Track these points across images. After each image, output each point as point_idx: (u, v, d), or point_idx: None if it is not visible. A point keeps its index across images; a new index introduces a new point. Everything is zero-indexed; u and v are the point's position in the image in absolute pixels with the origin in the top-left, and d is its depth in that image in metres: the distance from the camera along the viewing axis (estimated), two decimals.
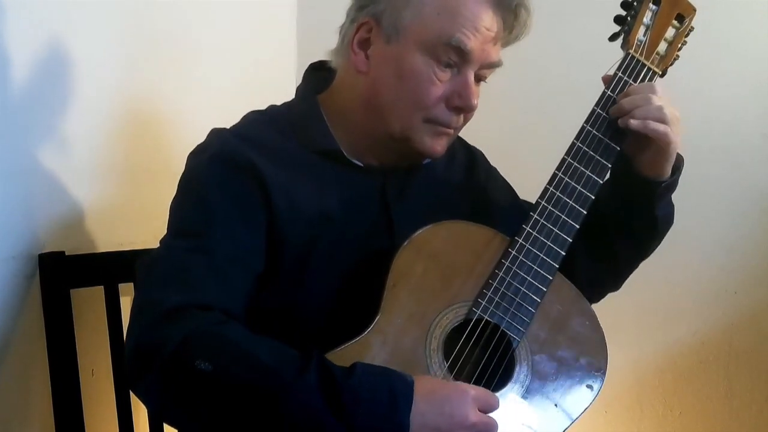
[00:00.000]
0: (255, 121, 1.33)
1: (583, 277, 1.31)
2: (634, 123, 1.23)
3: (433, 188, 1.37)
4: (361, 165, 1.31)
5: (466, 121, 1.30)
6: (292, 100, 1.37)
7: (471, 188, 1.43)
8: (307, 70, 1.39)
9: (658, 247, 1.42)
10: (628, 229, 1.35)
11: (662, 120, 1.22)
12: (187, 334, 1.05)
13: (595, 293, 1.37)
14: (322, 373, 1.04)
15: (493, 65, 1.27)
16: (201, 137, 1.30)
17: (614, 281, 1.44)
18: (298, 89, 1.38)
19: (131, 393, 1.51)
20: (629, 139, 1.27)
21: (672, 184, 1.31)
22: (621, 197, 1.33)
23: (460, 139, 1.49)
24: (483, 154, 1.51)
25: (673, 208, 1.37)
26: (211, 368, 1.03)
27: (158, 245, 1.21)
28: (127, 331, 1.13)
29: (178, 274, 1.14)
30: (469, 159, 1.48)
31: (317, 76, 1.36)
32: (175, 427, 1.24)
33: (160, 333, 1.07)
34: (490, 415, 1.11)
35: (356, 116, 1.29)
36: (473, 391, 1.10)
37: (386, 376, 1.07)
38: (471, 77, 1.24)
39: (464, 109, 1.26)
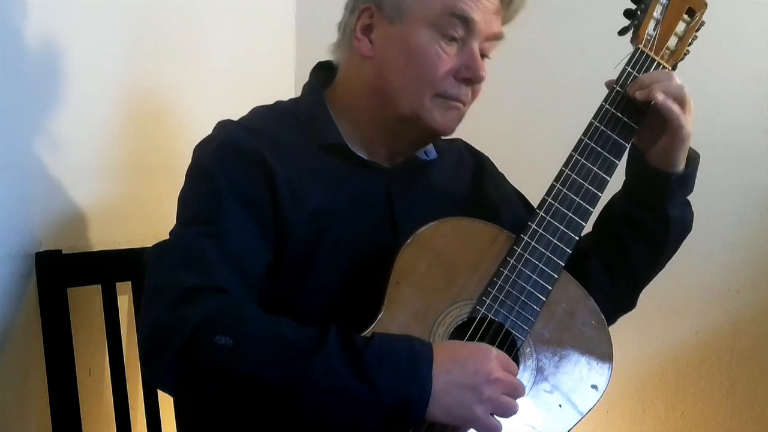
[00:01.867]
0: (262, 114, 1.33)
1: (598, 292, 1.28)
2: (658, 96, 1.21)
3: (439, 189, 1.37)
4: (367, 159, 1.31)
5: (474, 96, 1.30)
6: (299, 96, 1.38)
7: (477, 192, 1.43)
8: (314, 68, 1.40)
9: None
10: (642, 229, 1.33)
11: (681, 98, 1.22)
12: (206, 313, 1.06)
13: (609, 311, 1.30)
14: (343, 340, 1.06)
15: (497, 36, 1.29)
16: (200, 135, 1.29)
17: (629, 295, 1.39)
18: (304, 86, 1.38)
19: (129, 392, 1.51)
20: (640, 132, 1.27)
21: (686, 179, 1.29)
22: (634, 193, 1.32)
23: (467, 145, 1.50)
24: (491, 161, 1.51)
25: (691, 214, 1.35)
26: (232, 343, 1.04)
27: (168, 236, 1.21)
28: (142, 312, 1.13)
29: (193, 257, 1.14)
30: (477, 164, 1.47)
31: (324, 74, 1.37)
32: (195, 405, 1.24)
33: (179, 313, 1.06)
34: None
35: (363, 105, 1.30)
36: (495, 351, 1.12)
37: (405, 338, 1.10)
38: (477, 48, 1.25)
39: (473, 80, 1.26)
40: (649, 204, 1.31)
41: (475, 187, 1.43)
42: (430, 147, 1.40)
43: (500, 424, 1.09)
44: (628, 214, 1.33)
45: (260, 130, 1.26)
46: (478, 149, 1.51)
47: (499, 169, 1.51)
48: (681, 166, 1.28)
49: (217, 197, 1.19)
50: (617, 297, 1.35)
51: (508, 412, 1.10)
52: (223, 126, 1.28)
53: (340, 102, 1.32)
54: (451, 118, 1.28)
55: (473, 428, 1.09)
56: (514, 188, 1.50)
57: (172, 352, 1.05)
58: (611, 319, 1.31)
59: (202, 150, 1.26)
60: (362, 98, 1.29)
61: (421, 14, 1.23)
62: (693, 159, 1.30)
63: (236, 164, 1.21)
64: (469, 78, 1.25)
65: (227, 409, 1.07)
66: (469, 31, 1.24)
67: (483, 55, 1.28)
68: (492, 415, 1.09)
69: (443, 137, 1.39)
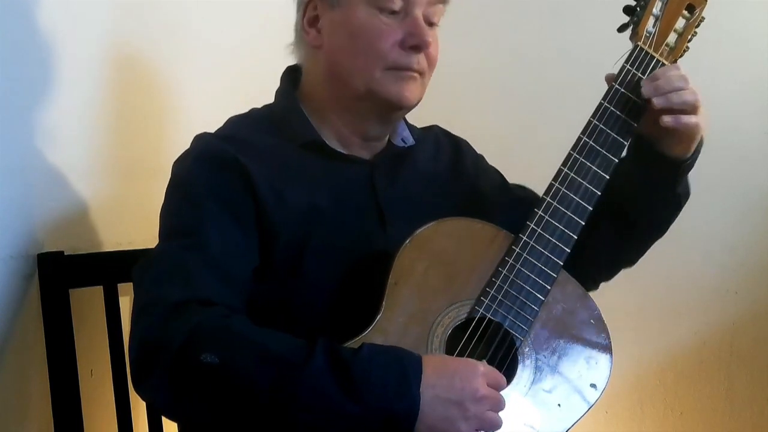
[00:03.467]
0: (237, 122, 1.35)
1: (600, 255, 1.32)
2: (667, 120, 1.23)
3: (420, 175, 1.39)
4: (346, 153, 1.33)
5: (431, 65, 1.30)
6: (273, 102, 1.39)
7: (459, 176, 1.44)
8: (284, 73, 1.41)
9: (659, 247, 1.42)
10: (651, 208, 1.35)
11: (696, 107, 1.24)
12: (192, 329, 1.05)
13: (611, 269, 1.38)
14: (330, 353, 1.05)
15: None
16: None
17: (630, 258, 1.43)
18: (277, 91, 1.40)
19: (130, 393, 1.51)
20: (648, 128, 1.27)
21: (695, 159, 1.31)
22: (643, 177, 1.32)
23: (443, 130, 1.51)
24: (468, 143, 1.52)
25: (688, 184, 1.37)
26: (218, 361, 1.03)
27: (153, 251, 1.21)
28: (131, 331, 1.13)
29: (177, 271, 1.14)
30: (455, 148, 1.49)
31: (294, 77, 1.39)
32: (185, 423, 1.24)
33: (165, 330, 1.07)
34: None
35: (325, 95, 1.32)
36: (482, 366, 1.11)
37: (394, 352, 1.09)
38: (419, 15, 1.26)
39: (420, 46, 1.26)
40: (660, 187, 1.32)
41: (455, 169, 1.44)
42: (407, 134, 1.41)
43: None
44: (637, 195, 1.34)
45: (237, 138, 1.27)
46: (477, 146, 1.52)
47: (499, 168, 1.52)
48: (693, 149, 1.29)
49: (197, 208, 1.19)
50: (618, 258, 1.41)
51: (493, 428, 1.10)
52: (199, 138, 1.29)
53: (309, 99, 1.34)
54: (408, 88, 1.28)
55: None
56: (494, 168, 1.51)
57: (160, 373, 1.05)
58: (613, 273, 1.41)
59: (180, 164, 1.27)
60: (323, 88, 1.32)
61: None
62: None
63: (215, 173, 1.22)
64: (416, 45, 1.26)
65: (220, 425, 1.07)
66: (408, 2, 1.25)
67: (430, 22, 1.29)
68: (477, 431, 1.08)
69: (416, 127, 1.42)
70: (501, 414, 1.11)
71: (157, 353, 1.06)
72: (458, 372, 1.09)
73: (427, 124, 1.50)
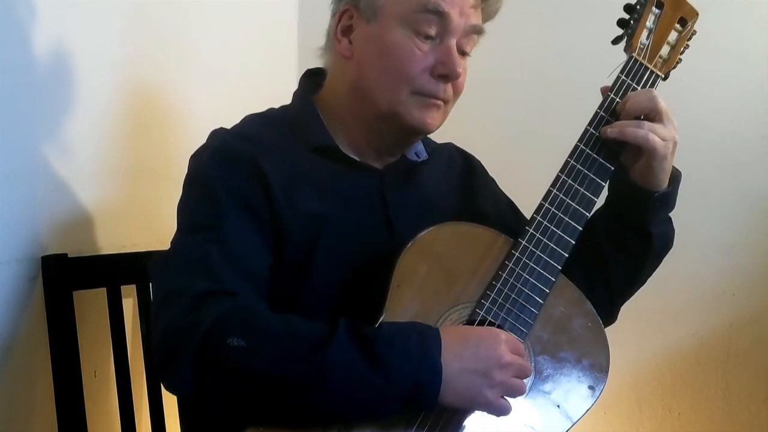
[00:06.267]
0: (253, 121, 1.35)
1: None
2: (609, 131, 1.24)
3: (431, 189, 1.39)
4: (359, 161, 1.33)
5: (456, 94, 1.30)
6: (290, 103, 1.39)
7: (468, 194, 1.44)
8: (303, 75, 1.41)
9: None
10: (623, 244, 1.34)
11: (654, 112, 1.23)
12: (218, 315, 1.07)
13: None
14: (352, 330, 1.07)
15: (475, 30, 1.28)
16: (203, 139, 1.31)
17: (609, 307, 1.39)
18: (294, 93, 1.40)
19: (133, 394, 1.52)
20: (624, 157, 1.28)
21: (667, 197, 1.30)
22: (616, 209, 1.34)
23: (458, 148, 1.51)
24: (481, 164, 1.52)
25: (672, 231, 1.37)
26: (245, 344, 1.05)
27: (170, 245, 1.22)
28: (154, 320, 1.14)
29: (199, 263, 1.15)
30: (467, 167, 1.49)
31: (313, 80, 1.39)
32: (210, 408, 1.24)
33: (191, 318, 1.07)
34: None
35: (348, 106, 1.31)
36: (503, 334, 1.13)
37: (414, 324, 1.12)
38: (453, 45, 1.25)
39: (449, 76, 1.25)
40: (631, 220, 1.32)
41: (465, 186, 1.45)
42: (421, 148, 1.41)
43: (510, 405, 1.12)
44: (610, 229, 1.34)
45: (252, 137, 1.28)
46: (474, 153, 1.52)
47: (497, 172, 1.52)
48: (663, 185, 1.28)
49: (215, 203, 1.20)
50: (596, 307, 1.32)
51: (518, 393, 1.13)
52: (216, 134, 1.30)
53: (328, 105, 1.34)
54: (430, 115, 1.27)
55: (484, 411, 1.12)
56: (504, 193, 1.52)
57: (187, 358, 1.06)
58: None
59: (197, 159, 1.28)
60: (346, 99, 1.31)
61: (396, 12, 1.24)
62: (675, 177, 1.31)
63: (231, 170, 1.22)
64: (446, 74, 1.25)
65: (247, 407, 1.08)
66: (444, 27, 1.24)
67: (462, 51, 1.28)
68: (502, 396, 1.11)
69: (433, 140, 1.42)
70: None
71: (183, 340, 1.06)
72: (482, 341, 1.11)
73: None
